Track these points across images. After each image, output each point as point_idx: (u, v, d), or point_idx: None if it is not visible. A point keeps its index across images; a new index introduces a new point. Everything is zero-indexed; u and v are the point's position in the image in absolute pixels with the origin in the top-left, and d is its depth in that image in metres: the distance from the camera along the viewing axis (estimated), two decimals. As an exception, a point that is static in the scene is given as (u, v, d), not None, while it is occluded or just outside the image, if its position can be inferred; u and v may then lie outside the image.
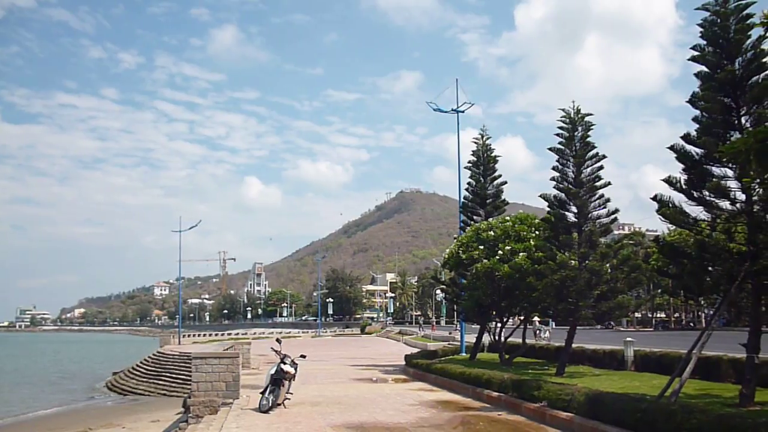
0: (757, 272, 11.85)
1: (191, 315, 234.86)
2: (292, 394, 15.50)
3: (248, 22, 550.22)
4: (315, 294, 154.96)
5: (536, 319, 38.20)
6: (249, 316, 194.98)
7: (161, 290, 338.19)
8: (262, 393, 14.79)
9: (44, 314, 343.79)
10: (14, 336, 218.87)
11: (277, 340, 17.44)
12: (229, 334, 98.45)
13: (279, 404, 14.87)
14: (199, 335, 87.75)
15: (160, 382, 38.24)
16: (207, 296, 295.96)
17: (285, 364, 15.03)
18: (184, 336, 72.31)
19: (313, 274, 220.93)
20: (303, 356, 16.72)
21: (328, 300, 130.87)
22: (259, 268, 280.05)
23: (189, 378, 18.54)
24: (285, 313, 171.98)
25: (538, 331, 39.64)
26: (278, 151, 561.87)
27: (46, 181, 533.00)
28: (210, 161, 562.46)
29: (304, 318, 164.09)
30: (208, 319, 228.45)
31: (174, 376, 37.96)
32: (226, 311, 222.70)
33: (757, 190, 11.47)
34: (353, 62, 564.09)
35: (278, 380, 14.82)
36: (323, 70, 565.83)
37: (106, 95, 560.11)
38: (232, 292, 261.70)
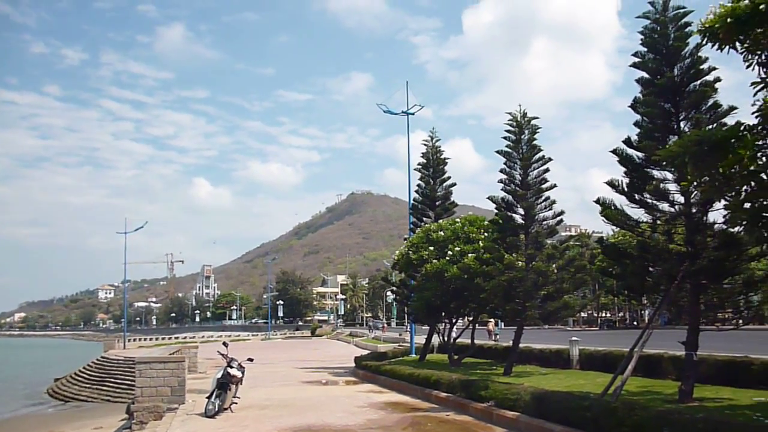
0: (695, 272, 12.25)
1: (137, 319, 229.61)
2: (239, 398, 15.30)
3: (197, 19, 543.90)
4: (265, 296, 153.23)
5: (492, 320, 38.68)
6: (198, 319, 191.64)
7: (106, 293, 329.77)
8: (209, 397, 14.55)
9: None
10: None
11: (224, 343, 17.17)
12: (177, 338, 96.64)
13: (226, 408, 14.65)
14: (145, 339, 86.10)
15: (104, 388, 37.27)
16: (154, 299, 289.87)
17: (232, 367, 14.82)
18: (129, 340, 70.80)
19: (263, 276, 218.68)
20: (250, 359, 16.53)
21: (278, 302, 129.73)
22: (208, 271, 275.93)
23: (133, 383, 18.11)
24: (234, 316, 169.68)
25: (495, 334, 40.01)
26: (228, 151, 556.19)
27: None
28: (158, 161, 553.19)
29: (254, 321, 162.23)
30: (155, 322, 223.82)
31: (118, 381, 37.05)
32: (173, 315, 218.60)
33: (695, 193, 11.84)
34: (304, 63, 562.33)
35: (225, 384, 14.61)
36: (274, 70, 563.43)
37: (49, 92, 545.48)
38: (180, 295, 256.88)
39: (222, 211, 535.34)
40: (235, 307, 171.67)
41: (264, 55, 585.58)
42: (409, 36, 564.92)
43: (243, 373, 15.30)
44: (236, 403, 15.09)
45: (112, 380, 38.08)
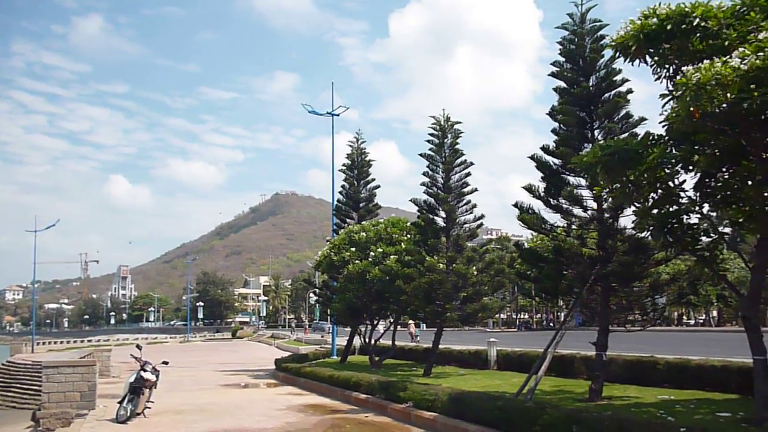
0: (605, 275, 12.74)
1: (48, 321, 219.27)
2: (153, 402, 14.80)
3: (117, 12, 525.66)
4: (185, 298, 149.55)
5: (412, 322, 38.98)
6: (113, 321, 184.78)
7: (14, 294, 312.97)
8: (120, 402, 14.00)
9: None
10: None
11: (138, 346, 16.59)
12: (90, 341, 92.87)
13: (139, 414, 14.13)
14: (56, 342, 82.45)
15: (10, 394, 35.42)
16: (66, 301, 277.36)
17: (145, 371, 14.32)
18: (39, 344, 67.61)
19: (183, 277, 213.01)
20: (165, 363, 16.03)
21: (198, 304, 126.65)
22: (124, 271, 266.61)
23: (41, 389, 17.27)
24: (152, 318, 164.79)
25: (415, 336, 40.38)
26: (148, 148, 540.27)
27: None
28: (72, 157, 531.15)
29: (172, 323, 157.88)
30: (67, 325, 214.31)
31: (25, 387, 35.28)
32: (87, 317, 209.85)
33: (607, 199, 12.31)
34: (229, 60, 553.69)
35: (138, 388, 14.09)
36: (198, 66, 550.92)
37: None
38: (94, 296, 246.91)
39: (140, 211, 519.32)
40: (153, 309, 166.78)
41: (187, 51, 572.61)
42: (336, 37, 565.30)
43: (158, 376, 14.81)
44: (150, 408, 14.59)
45: (19, 386, 36.23)
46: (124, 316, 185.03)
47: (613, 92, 13.41)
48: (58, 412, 14.81)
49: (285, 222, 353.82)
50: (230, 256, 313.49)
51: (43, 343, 74.09)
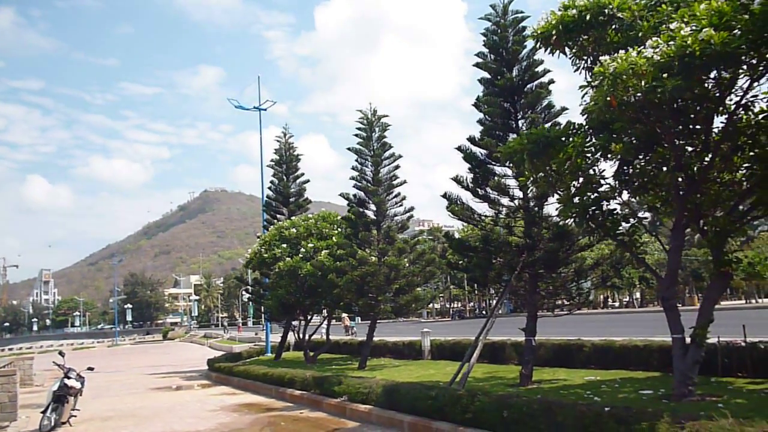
0: (532, 262, 13.04)
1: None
2: (78, 410, 14.26)
3: (29, 4, 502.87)
4: (111, 300, 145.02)
5: (345, 315, 38.97)
6: (36, 328, 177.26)
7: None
8: (44, 412, 13.41)
9: None
10: None
11: (60, 353, 15.92)
12: (11, 349, 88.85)
13: (64, 423, 13.59)
14: (-27, 352, 78.42)
15: (-77, 409, 33.52)
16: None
17: (69, 378, 13.77)
18: (-46, 354, 64.18)
19: (109, 279, 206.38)
20: (91, 369, 15.49)
21: (126, 306, 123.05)
22: (46, 275, 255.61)
23: (-44, 402, 16.38)
24: (78, 323, 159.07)
25: (351, 328, 40.40)
26: (67, 147, 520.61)
27: None
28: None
29: (100, 327, 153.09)
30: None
31: (-60, 400, 33.46)
32: (7, 324, 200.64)
33: (531, 188, 12.57)
34: (149, 55, 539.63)
35: (62, 397, 13.53)
36: (117, 61, 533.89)
37: None
38: (14, 302, 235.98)
39: (61, 211, 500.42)
40: (78, 314, 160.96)
41: (105, 45, 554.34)
42: (262, 30, 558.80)
43: (83, 383, 14.27)
44: (75, 416, 14.05)
45: (-67, 399, 34.33)
46: (48, 322, 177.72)
47: (535, 83, 13.69)
48: (-24, 426, 14.07)
49: (215, 219, 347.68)
50: (159, 256, 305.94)
51: (-40, 354, 70.42)
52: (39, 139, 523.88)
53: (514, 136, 13.29)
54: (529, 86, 13.73)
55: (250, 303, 55.21)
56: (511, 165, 11.98)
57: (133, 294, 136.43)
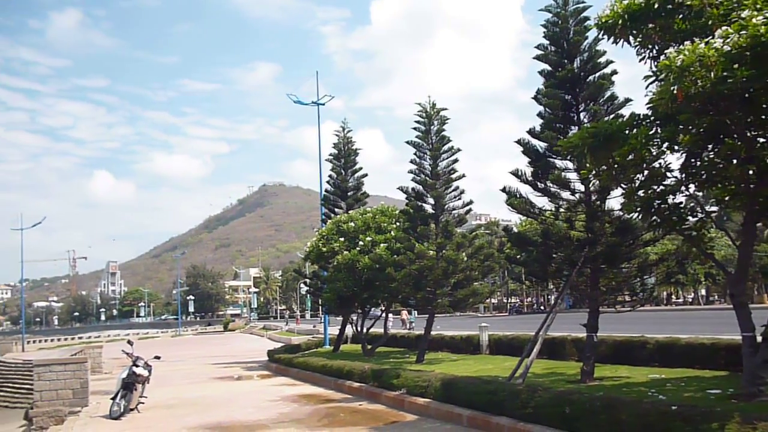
0: (594, 257, 12.79)
1: (38, 319, 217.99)
2: (146, 397, 14.79)
3: (93, 5, 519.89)
4: (174, 292, 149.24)
5: (404, 310, 39.16)
6: (103, 317, 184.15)
7: (2, 293, 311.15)
8: (113, 398, 13.98)
9: None
10: None
11: (129, 341, 16.56)
12: (80, 338, 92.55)
13: (132, 409, 14.14)
14: (46, 341, 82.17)
15: (1, 393, 35.26)
16: (55, 298, 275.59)
17: (137, 366, 14.31)
18: (29, 342, 67.39)
19: (172, 271, 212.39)
20: (157, 357, 16.02)
21: (188, 297, 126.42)
22: (113, 267, 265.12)
23: (33, 387, 17.20)
24: (143, 313, 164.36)
25: (410, 322, 40.52)
26: (130, 143, 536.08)
27: None
28: (53, 153, 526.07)
29: (163, 317, 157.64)
30: (57, 323, 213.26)
31: (16, 385, 35.07)
32: (77, 314, 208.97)
33: (593, 181, 12.32)
34: (207, 52, 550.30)
35: (130, 384, 14.08)
36: (177, 58, 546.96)
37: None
38: (83, 293, 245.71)
39: (124, 206, 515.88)
40: (143, 304, 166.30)
41: (165, 43, 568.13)
42: (317, 25, 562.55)
43: (150, 371, 14.80)
44: (143, 403, 14.59)
45: (10, 385, 36.00)
46: (114, 312, 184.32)
47: (597, 74, 13.40)
48: (51, 410, 14.77)
49: (272, 213, 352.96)
50: (219, 249, 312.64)
51: (34, 342, 73.86)
52: (104, 136, 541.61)
53: (575, 128, 13.10)
54: (590, 77, 13.46)
55: (308, 296, 55.98)
56: (572, 158, 11.79)
57: (194, 286, 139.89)
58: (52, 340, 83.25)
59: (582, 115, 13.55)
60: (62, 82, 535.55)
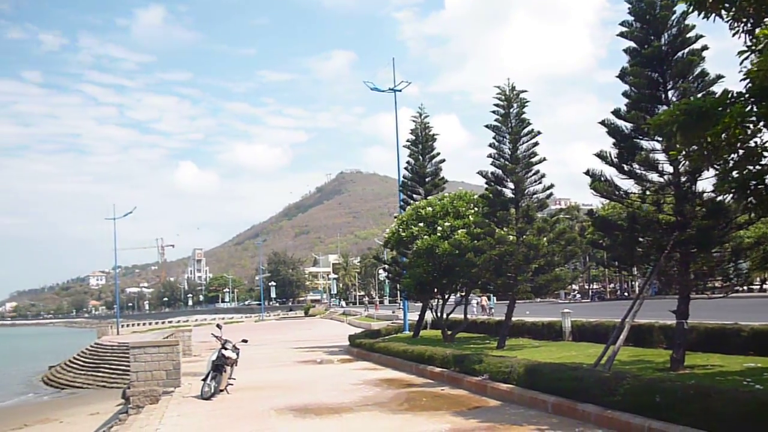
0: (684, 241, 12.30)
1: (130, 304, 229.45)
2: (234, 379, 15.32)
3: (176, 1, 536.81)
4: (257, 278, 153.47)
5: (484, 296, 38.97)
6: (190, 303, 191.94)
7: (97, 280, 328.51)
8: (204, 380, 14.56)
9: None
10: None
11: (218, 325, 17.18)
12: (170, 322, 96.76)
13: (221, 390, 14.69)
14: (138, 324, 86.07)
15: (99, 374, 37.35)
16: (146, 284, 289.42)
17: (226, 349, 14.83)
18: (122, 326, 70.80)
19: (254, 258, 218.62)
20: (245, 341, 16.54)
21: (270, 284, 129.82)
22: (199, 254, 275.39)
23: (128, 368, 18.11)
24: (227, 299, 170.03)
25: (489, 308, 40.34)
26: (213, 134, 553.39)
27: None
28: (142, 146, 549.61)
29: (246, 303, 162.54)
30: (147, 307, 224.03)
31: (113, 367, 37.12)
32: (166, 299, 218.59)
33: (683, 162, 11.85)
34: (284, 42, 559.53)
35: (220, 366, 14.62)
36: (255, 50, 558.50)
37: (29, 78, 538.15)
38: (171, 279, 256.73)
39: (208, 195, 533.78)
40: (227, 290, 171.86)
41: (244, 35, 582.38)
42: (391, 12, 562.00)
43: (238, 354, 15.31)
44: (232, 385, 15.12)
45: (107, 366, 38.14)
46: (201, 297, 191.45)
47: (686, 50, 12.82)
48: (146, 390, 15.50)
49: (350, 200, 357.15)
50: (299, 236, 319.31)
51: (127, 326, 77.49)
52: (188, 127, 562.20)
53: (663, 108, 12.59)
54: (679, 54, 12.89)
55: (387, 281, 56.46)
56: (660, 138, 11.36)
57: (276, 272, 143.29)
58: (143, 324, 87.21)
59: (670, 93, 13.01)
60: (148, 76, 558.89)
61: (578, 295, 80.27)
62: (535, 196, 19.53)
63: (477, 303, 39.84)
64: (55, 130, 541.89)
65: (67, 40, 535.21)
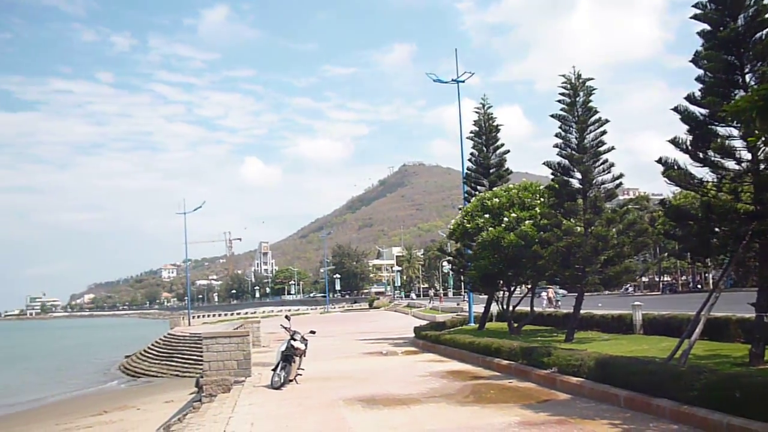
0: (764, 231, 11.79)
1: (200, 296, 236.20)
2: (303, 369, 15.60)
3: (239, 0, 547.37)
4: (322, 271, 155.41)
5: (551, 288, 38.46)
6: (257, 295, 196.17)
7: (169, 273, 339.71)
8: (274, 370, 14.88)
9: (54, 301, 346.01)
10: (26, 324, 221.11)
11: (287, 317, 17.51)
12: (239, 313, 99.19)
13: (291, 380, 14.97)
14: (208, 316, 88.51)
15: (172, 364, 38.60)
16: (214, 277, 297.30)
17: (295, 340, 15.10)
18: (193, 317, 72.94)
19: (318, 251, 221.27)
20: (312, 332, 16.80)
21: (335, 276, 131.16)
22: (265, 247, 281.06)
23: (200, 358, 18.64)
24: (293, 291, 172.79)
25: (556, 301, 39.78)
26: (277, 129, 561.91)
27: (45, 168, 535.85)
28: (209, 142, 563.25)
29: (312, 295, 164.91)
30: (216, 299, 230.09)
31: (185, 356, 38.30)
32: (234, 291, 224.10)
33: (763, 148, 11.36)
34: (346, 37, 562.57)
35: (289, 357, 14.91)
36: (317, 45, 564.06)
37: (102, 79, 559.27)
38: (239, 272, 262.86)
39: (272, 189, 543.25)
40: (293, 282, 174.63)
41: (305, 31, 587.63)
42: (453, 2, 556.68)
43: (306, 345, 15.57)
44: (301, 375, 15.40)
45: (180, 356, 39.39)
46: (267, 289, 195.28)
47: (765, 31, 12.24)
48: (219, 379, 15.92)
49: (413, 193, 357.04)
50: (362, 229, 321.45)
51: (198, 317, 79.76)
52: (253, 123, 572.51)
53: (740, 92, 12.08)
54: (757, 35, 12.32)
55: (451, 274, 56.27)
56: (738, 124, 10.92)
57: (340, 265, 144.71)
58: (213, 316, 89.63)
59: (748, 77, 12.45)
60: (214, 74, 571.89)
61: (644, 289, 78.09)
62: (603, 186, 19.07)
63: (545, 295, 39.32)
64: (127, 129, 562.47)
65: (137, 41, 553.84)
